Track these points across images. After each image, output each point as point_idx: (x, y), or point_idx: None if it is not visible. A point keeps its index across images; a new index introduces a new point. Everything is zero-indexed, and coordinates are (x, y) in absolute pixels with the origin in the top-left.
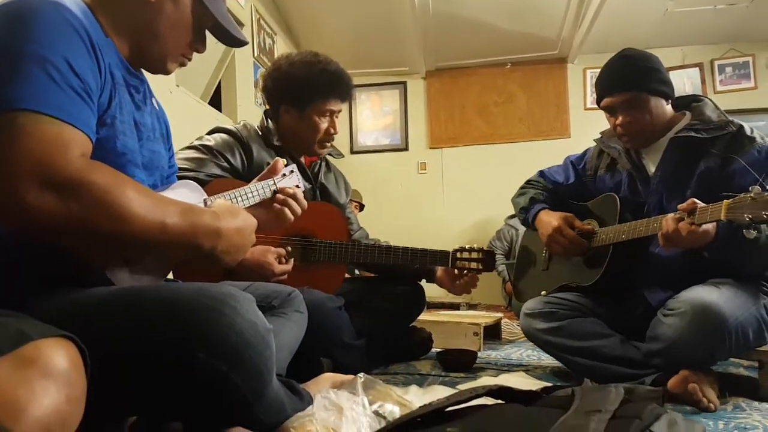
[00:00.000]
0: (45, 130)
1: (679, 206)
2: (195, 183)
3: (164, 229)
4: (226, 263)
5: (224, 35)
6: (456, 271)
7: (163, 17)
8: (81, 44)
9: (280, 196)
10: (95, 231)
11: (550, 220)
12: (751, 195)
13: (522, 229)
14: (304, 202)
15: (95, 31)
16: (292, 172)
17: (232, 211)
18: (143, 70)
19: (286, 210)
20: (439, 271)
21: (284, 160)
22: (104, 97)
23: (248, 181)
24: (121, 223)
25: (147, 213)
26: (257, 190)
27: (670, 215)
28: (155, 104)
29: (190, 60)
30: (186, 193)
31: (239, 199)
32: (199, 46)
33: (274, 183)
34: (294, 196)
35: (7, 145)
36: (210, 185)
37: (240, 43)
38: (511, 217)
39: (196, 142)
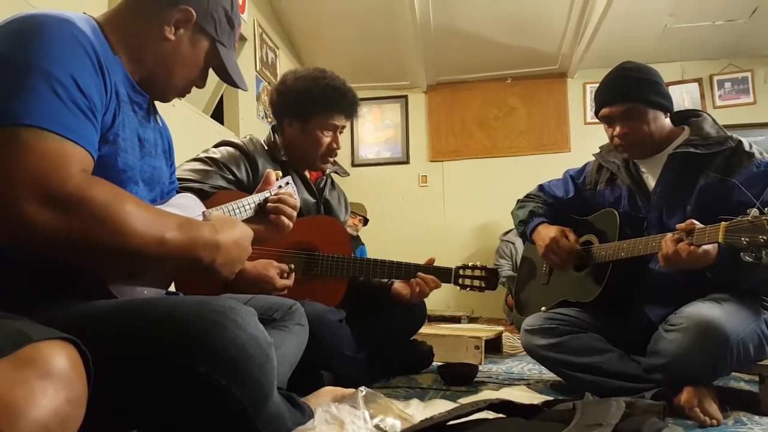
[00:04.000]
0: (47, 146)
1: (678, 226)
2: (194, 196)
3: (163, 244)
4: (224, 276)
5: (228, 80)
6: (459, 288)
7: (178, 55)
8: (88, 61)
9: (271, 205)
10: (95, 246)
11: (547, 232)
12: (749, 218)
13: (518, 242)
14: (293, 202)
15: (103, 48)
16: (287, 183)
17: (230, 223)
18: None
19: (282, 217)
20: (396, 282)
21: (279, 172)
22: (108, 115)
23: (251, 194)
24: (121, 237)
25: (146, 228)
26: (254, 202)
27: (669, 236)
28: (159, 120)
29: (188, 93)
30: (185, 206)
31: (236, 211)
32: (201, 83)
33: (271, 195)
34: (282, 201)
35: (8, 159)
36: (214, 197)
37: (240, 88)
38: (506, 233)
39: (202, 155)
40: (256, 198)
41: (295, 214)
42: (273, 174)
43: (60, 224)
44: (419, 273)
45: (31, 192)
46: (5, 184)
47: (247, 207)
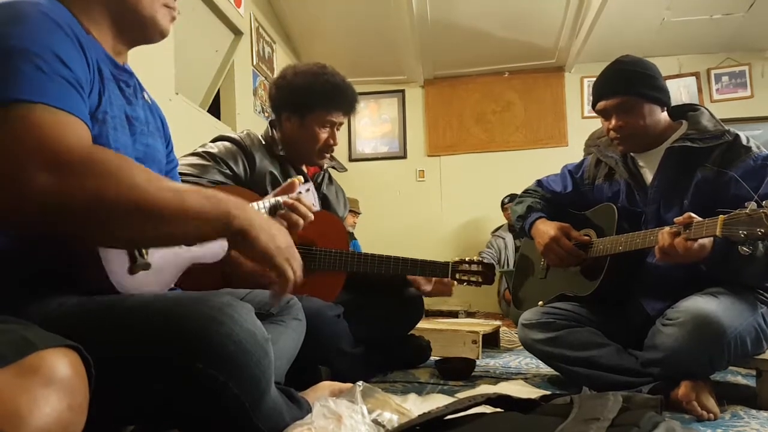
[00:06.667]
0: (42, 117)
1: (675, 220)
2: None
3: (183, 201)
4: (264, 244)
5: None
6: (456, 283)
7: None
8: (67, 38)
9: (282, 211)
10: (112, 203)
11: (546, 229)
12: (746, 211)
13: (508, 236)
14: (305, 211)
15: (77, 28)
16: (308, 190)
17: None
18: (129, 66)
19: (284, 223)
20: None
21: (301, 177)
22: (94, 93)
23: (249, 188)
24: (137, 191)
25: (161, 185)
26: (268, 206)
27: (666, 229)
28: (147, 98)
29: (174, 8)
30: None
31: None
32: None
33: (287, 199)
34: (294, 208)
35: (6, 138)
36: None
37: None
38: (496, 229)
39: (200, 149)
40: (270, 201)
41: (302, 222)
42: (296, 182)
43: (73, 187)
44: (445, 280)
45: (38, 163)
46: (9, 163)
47: (264, 210)
